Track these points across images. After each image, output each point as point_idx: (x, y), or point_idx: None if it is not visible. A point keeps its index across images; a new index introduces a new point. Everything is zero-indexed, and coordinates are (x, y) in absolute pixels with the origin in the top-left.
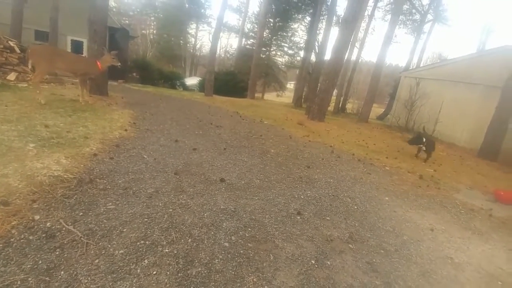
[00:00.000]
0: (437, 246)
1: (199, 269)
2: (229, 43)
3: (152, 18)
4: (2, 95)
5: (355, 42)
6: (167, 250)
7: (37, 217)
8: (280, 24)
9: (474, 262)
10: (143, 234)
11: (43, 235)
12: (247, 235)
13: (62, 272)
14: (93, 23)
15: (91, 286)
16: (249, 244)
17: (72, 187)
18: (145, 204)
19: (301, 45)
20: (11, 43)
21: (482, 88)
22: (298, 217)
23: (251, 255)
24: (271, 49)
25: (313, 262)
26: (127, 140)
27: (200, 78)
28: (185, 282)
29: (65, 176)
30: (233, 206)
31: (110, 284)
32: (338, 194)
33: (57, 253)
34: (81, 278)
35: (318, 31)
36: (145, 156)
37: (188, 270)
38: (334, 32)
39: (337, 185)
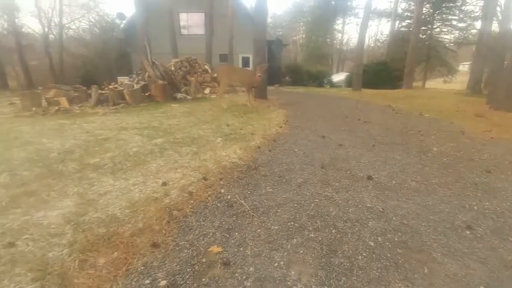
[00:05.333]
0: None
1: (342, 260)
2: (380, 30)
3: (301, 23)
4: (202, 105)
5: None
6: (312, 235)
7: (222, 190)
8: None
9: None
10: (293, 216)
11: (226, 204)
12: (396, 239)
13: (236, 233)
14: (256, 41)
15: (255, 249)
16: (398, 250)
17: (244, 171)
18: (295, 191)
19: (476, 13)
20: (206, 66)
21: None
22: (468, 232)
23: (400, 261)
24: (434, 26)
25: None
26: (282, 135)
27: (347, 73)
28: (328, 268)
29: (239, 163)
30: (381, 207)
31: (267, 251)
32: None
33: (234, 219)
34: (248, 241)
35: None
36: (295, 150)
37: (331, 258)
38: None
39: None
